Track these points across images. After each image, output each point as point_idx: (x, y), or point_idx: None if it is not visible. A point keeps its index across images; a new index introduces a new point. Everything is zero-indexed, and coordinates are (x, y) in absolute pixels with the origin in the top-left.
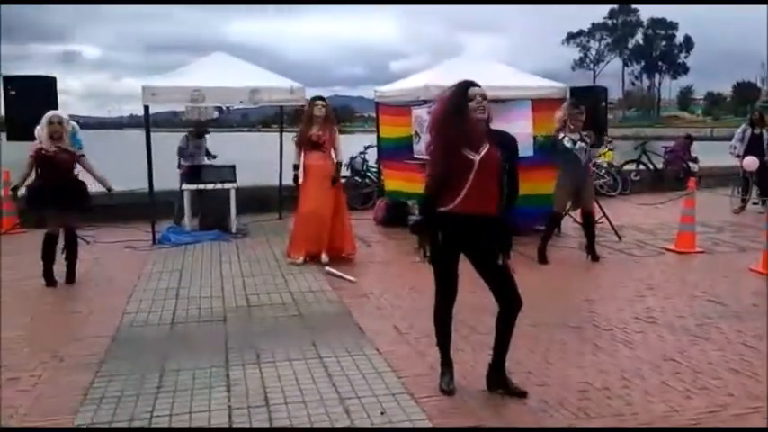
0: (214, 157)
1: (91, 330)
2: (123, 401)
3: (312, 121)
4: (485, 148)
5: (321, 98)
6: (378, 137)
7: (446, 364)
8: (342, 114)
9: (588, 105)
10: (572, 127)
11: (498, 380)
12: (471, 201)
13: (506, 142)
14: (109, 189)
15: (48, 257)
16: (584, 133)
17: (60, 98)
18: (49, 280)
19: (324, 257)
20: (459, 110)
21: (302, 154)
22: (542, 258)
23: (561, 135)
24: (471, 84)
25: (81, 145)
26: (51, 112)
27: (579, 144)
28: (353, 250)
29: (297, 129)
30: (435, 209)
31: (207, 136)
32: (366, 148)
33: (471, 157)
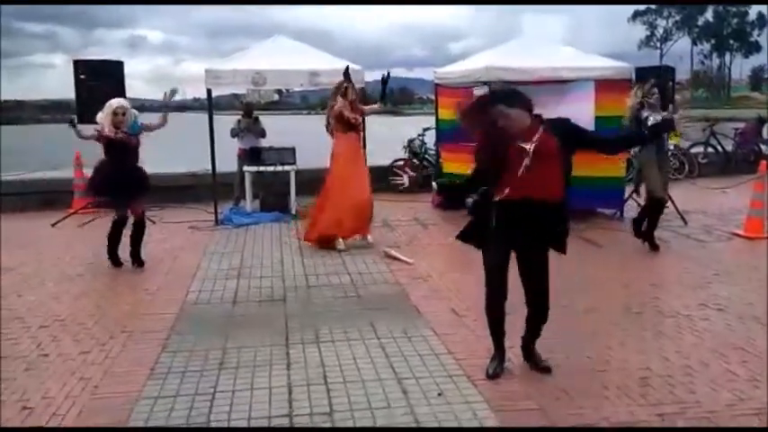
0: (261, 132)
1: (157, 307)
2: (187, 376)
3: (348, 100)
4: (537, 135)
5: (349, 79)
6: (437, 119)
7: (498, 350)
8: (400, 97)
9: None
10: (650, 101)
11: (526, 354)
12: (528, 185)
13: (560, 126)
14: (167, 105)
15: (113, 239)
16: (665, 113)
17: (126, 82)
18: (115, 260)
19: (369, 238)
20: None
21: (338, 137)
22: (653, 246)
23: (645, 114)
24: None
25: (138, 129)
26: (116, 102)
27: None
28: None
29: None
30: (481, 192)
31: (260, 118)
32: (425, 130)
33: (524, 146)
